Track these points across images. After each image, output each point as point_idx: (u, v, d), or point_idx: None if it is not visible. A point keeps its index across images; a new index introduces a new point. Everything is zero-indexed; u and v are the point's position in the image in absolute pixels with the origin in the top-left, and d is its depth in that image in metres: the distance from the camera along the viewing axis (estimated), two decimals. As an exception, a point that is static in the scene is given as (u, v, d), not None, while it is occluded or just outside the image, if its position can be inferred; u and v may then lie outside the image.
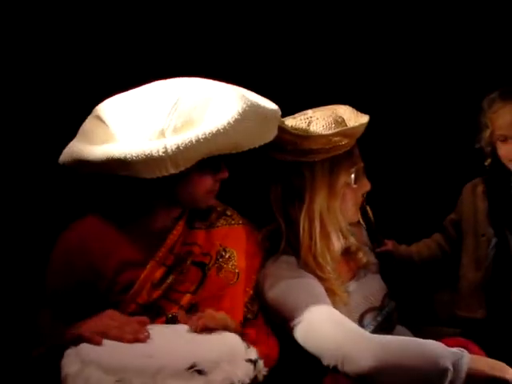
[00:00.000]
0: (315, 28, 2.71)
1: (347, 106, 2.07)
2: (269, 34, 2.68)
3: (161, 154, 1.66)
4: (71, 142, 1.89)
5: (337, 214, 1.99)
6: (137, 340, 1.62)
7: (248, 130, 1.75)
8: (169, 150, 1.66)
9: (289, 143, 1.94)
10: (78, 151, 1.80)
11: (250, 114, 1.73)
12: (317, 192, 1.96)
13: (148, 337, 1.64)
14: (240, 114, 1.70)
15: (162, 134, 1.72)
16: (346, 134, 1.94)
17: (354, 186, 2.01)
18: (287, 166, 1.98)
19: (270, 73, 2.65)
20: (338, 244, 2.03)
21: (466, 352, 1.73)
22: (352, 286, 2.09)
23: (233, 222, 2.01)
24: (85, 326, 1.67)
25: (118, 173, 1.75)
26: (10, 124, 2.49)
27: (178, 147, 1.66)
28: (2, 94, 2.47)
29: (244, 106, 1.71)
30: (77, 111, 2.35)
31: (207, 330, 1.68)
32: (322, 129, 1.96)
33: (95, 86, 2.49)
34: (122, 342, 1.62)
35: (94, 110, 1.90)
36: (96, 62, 2.56)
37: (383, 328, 2.08)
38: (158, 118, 1.73)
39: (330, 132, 1.94)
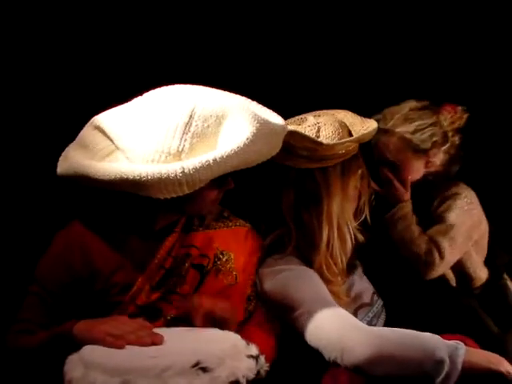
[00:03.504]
0: (314, 33, 2.73)
1: (346, 111, 2.12)
2: (267, 39, 2.69)
3: (178, 176, 1.66)
4: (68, 152, 1.87)
5: (350, 216, 2.05)
6: (154, 343, 1.62)
7: (260, 147, 1.77)
8: (186, 172, 1.66)
9: (305, 150, 1.97)
10: (82, 166, 1.78)
11: (263, 133, 1.75)
12: (332, 196, 2.00)
13: (163, 339, 1.64)
14: (254, 135, 1.72)
15: (178, 155, 1.71)
16: (360, 139, 2.01)
17: (360, 187, 2.07)
18: (299, 172, 2.01)
19: (267, 77, 2.66)
20: (350, 245, 2.07)
21: (461, 344, 1.76)
22: (345, 284, 2.12)
23: (230, 224, 2.04)
24: (95, 328, 1.67)
25: (129, 191, 1.74)
26: (7, 127, 2.51)
27: (195, 169, 1.66)
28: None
29: (257, 125, 1.73)
30: (66, 115, 2.38)
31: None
32: (331, 135, 2.00)
33: (87, 91, 2.52)
34: (140, 345, 1.61)
35: (94, 121, 1.87)
36: (92, 66, 2.56)
37: (373, 325, 2.11)
38: (172, 139, 1.72)
39: (350, 138, 2.00)
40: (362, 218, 2.10)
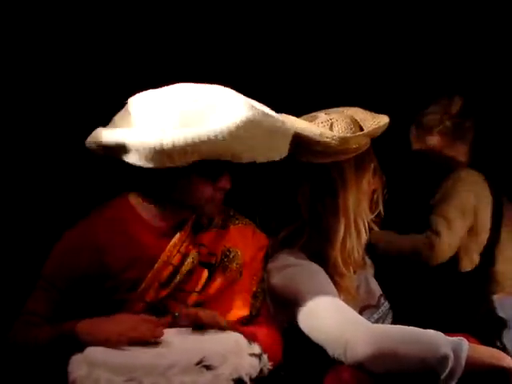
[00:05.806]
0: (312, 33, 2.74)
1: (356, 108, 2.14)
2: (273, 38, 2.72)
3: (156, 144, 1.72)
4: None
5: (366, 210, 2.08)
6: (154, 336, 1.67)
7: (248, 141, 1.79)
8: (164, 143, 1.72)
9: (320, 145, 1.99)
10: (98, 134, 1.86)
11: (252, 124, 1.76)
12: (348, 190, 2.03)
13: (163, 333, 1.68)
14: (242, 122, 1.74)
15: (163, 129, 1.77)
16: (373, 133, 2.04)
17: (373, 181, 2.10)
18: (315, 167, 2.03)
19: (268, 76, 2.68)
20: (365, 237, 2.10)
21: (465, 340, 1.77)
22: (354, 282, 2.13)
23: (236, 222, 2.06)
24: (98, 329, 1.71)
25: (119, 157, 1.82)
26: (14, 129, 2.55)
27: (172, 142, 1.72)
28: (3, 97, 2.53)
29: (249, 115, 1.75)
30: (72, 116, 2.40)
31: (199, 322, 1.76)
32: (344, 130, 2.02)
33: (93, 93, 2.56)
34: (142, 340, 1.65)
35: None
36: (97, 67, 2.60)
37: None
38: (168, 116, 1.79)
39: (364, 132, 2.02)
40: (377, 211, 2.12)
